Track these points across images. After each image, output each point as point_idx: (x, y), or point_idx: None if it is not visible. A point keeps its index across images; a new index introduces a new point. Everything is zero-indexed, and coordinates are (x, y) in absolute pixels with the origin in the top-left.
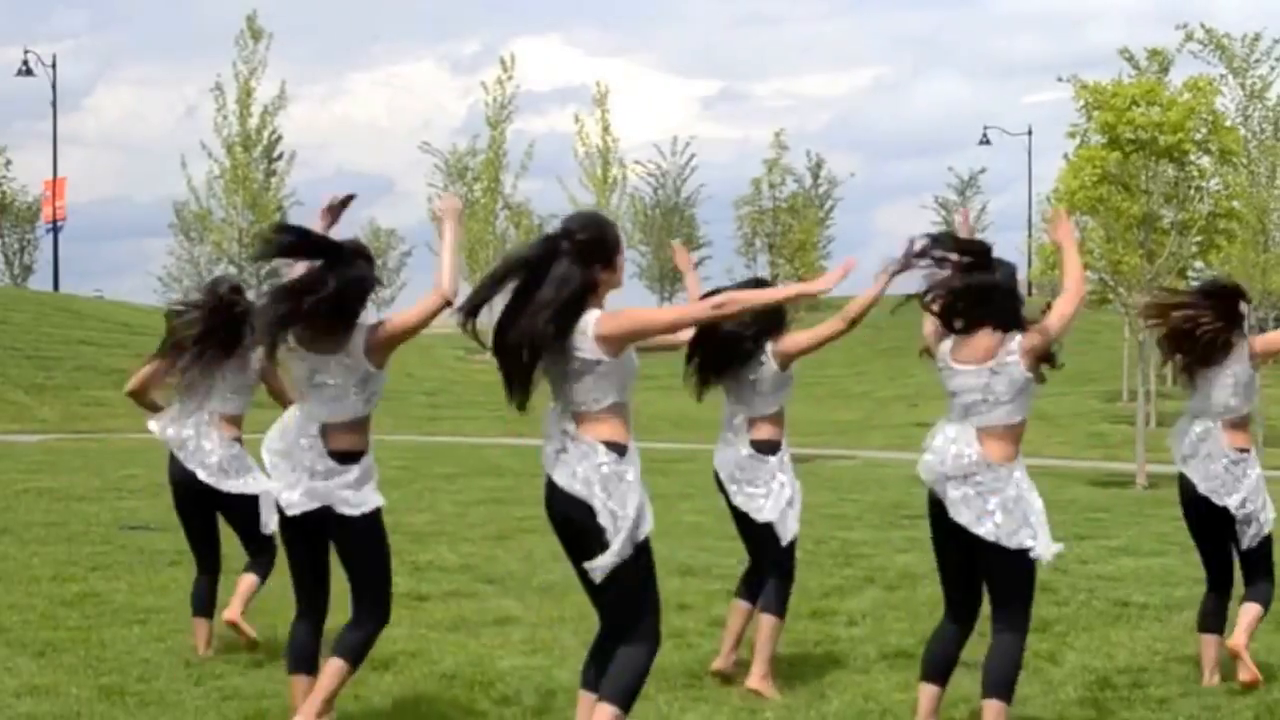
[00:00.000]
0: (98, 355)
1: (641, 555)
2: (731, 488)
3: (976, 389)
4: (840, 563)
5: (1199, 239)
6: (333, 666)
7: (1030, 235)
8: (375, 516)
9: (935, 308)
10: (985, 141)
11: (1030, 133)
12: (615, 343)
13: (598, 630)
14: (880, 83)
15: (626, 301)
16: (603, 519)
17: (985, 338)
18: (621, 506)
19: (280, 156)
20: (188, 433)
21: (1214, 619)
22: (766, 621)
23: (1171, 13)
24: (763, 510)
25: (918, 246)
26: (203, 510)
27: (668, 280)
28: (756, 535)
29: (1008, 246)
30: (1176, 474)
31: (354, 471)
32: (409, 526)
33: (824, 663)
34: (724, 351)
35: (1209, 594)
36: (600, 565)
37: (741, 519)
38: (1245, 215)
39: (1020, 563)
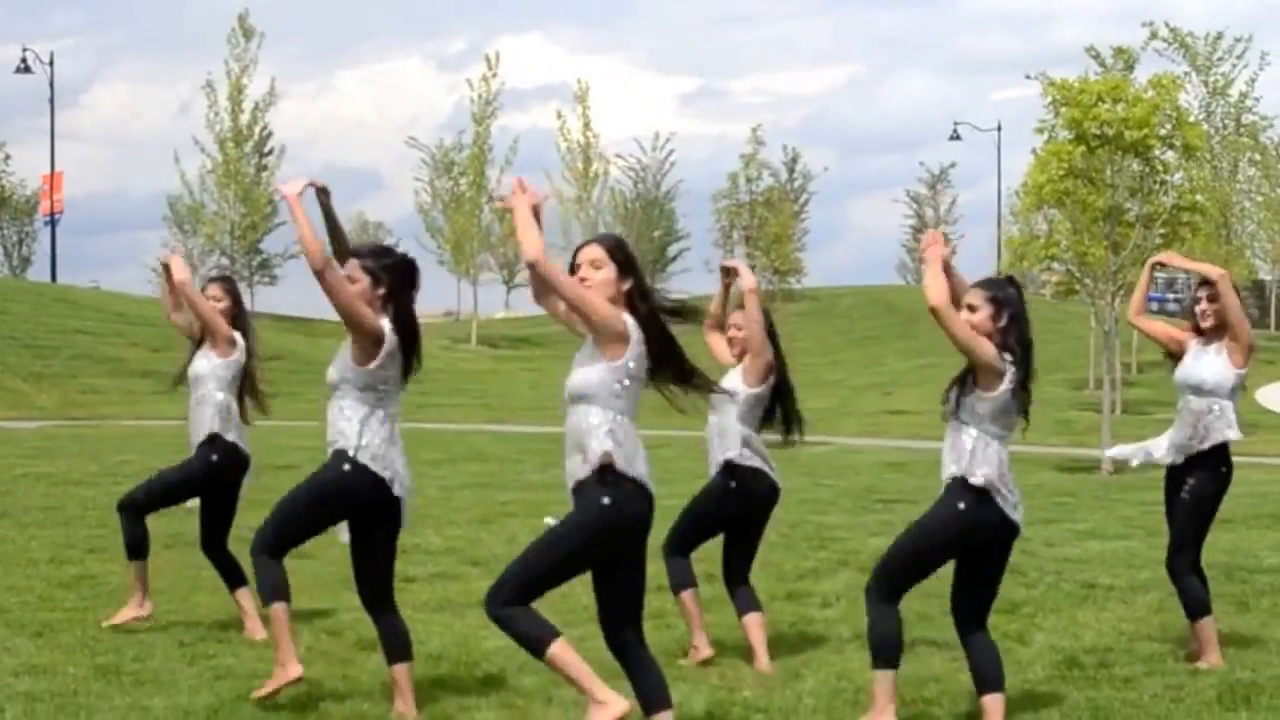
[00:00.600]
0: (94, 344)
1: None
2: None
3: None
4: (815, 546)
5: (1163, 231)
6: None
7: (1000, 228)
8: None
9: None
10: (955, 137)
11: (999, 128)
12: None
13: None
14: (853, 80)
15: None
16: None
17: None
18: None
19: (271, 152)
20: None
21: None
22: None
23: (1137, 12)
24: None
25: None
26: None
27: (647, 272)
28: None
29: (978, 239)
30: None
31: None
32: None
33: (799, 643)
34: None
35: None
36: None
37: None
38: (1208, 208)
39: None
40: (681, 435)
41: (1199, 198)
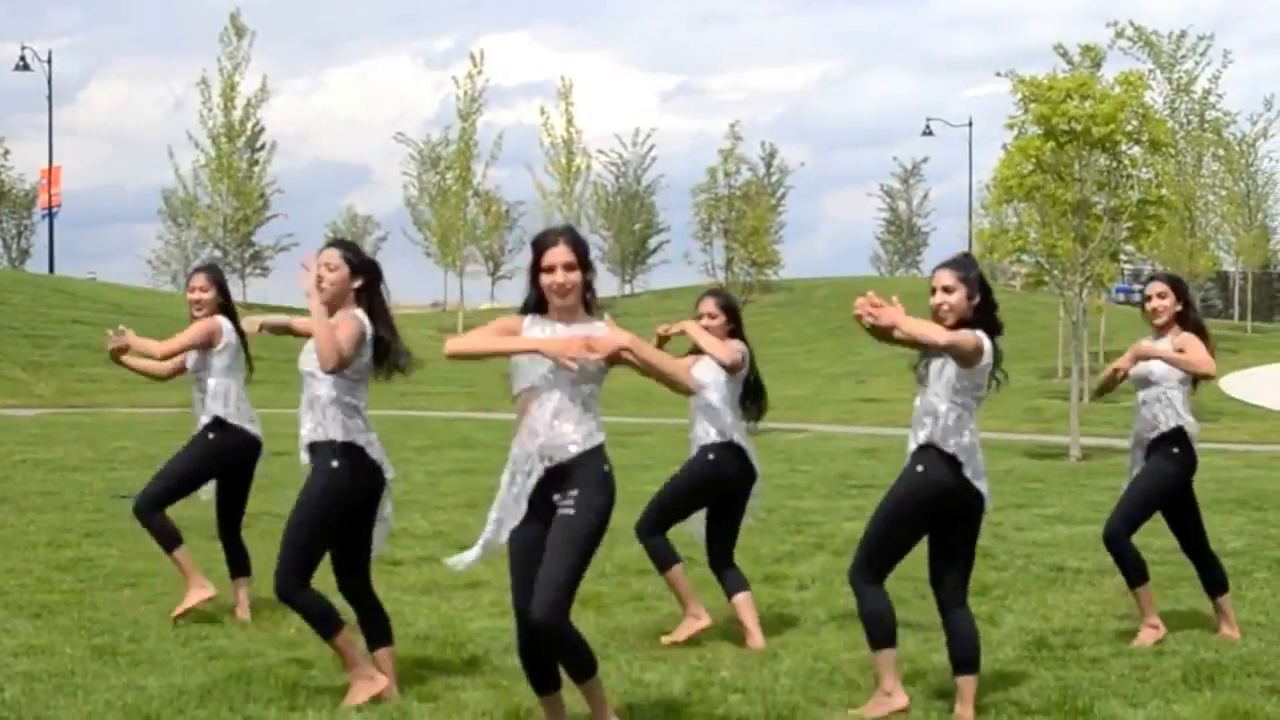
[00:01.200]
0: (91, 334)
1: None
2: None
3: None
4: (791, 530)
5: (1130, 225)
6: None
7: (971, 221)
8: None
9: None
10: (928, 133)
11: (971, 124)
12: None
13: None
14: (829, 77)
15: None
16: None
17: None
18: None
19: (262, 147)
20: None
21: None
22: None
23: (1103, 11)
24: None
25: None
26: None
27: (629, 264)
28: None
29: (950, 232)
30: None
31: None
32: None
33: (776, 624)
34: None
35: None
36: None
37: None
38: (1173, 202)
39: None
40: (663, 423)
41: (1164, 192)
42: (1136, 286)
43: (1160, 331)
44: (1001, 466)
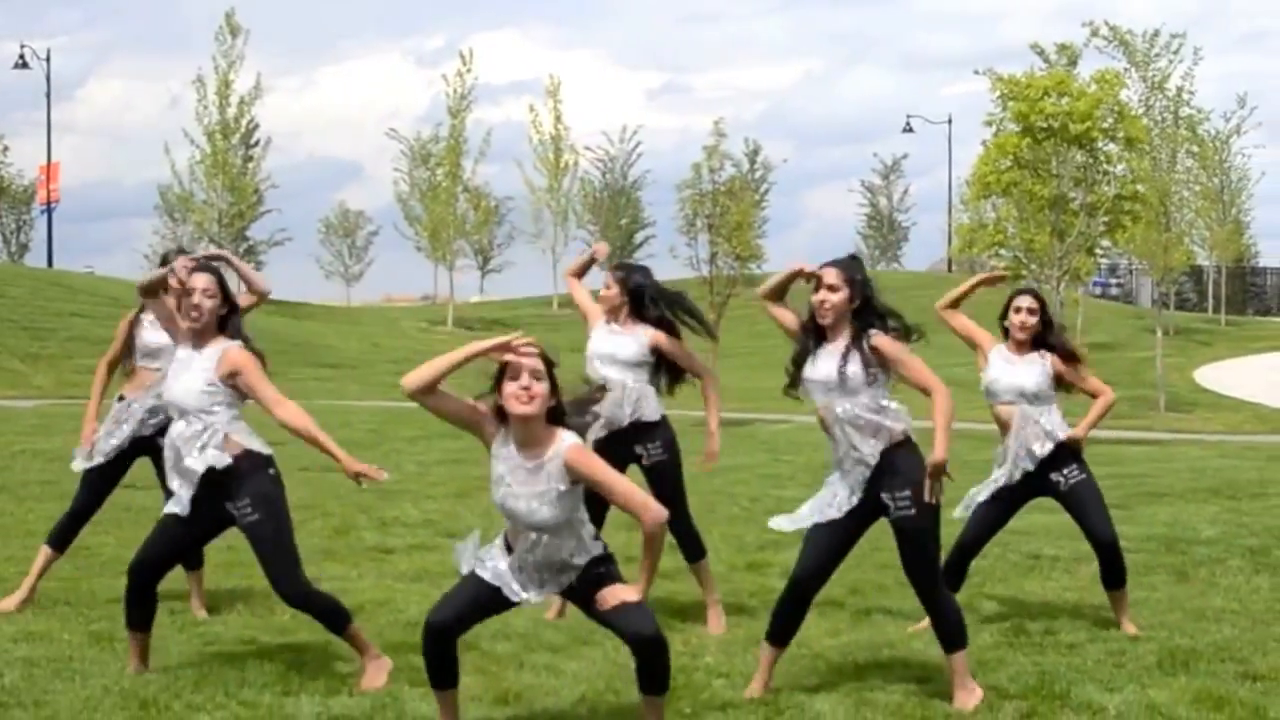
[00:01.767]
0: (88, 327)
1: None
2: None
3: None
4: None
5: (1105, 219)
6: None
7: (950, 216)
8: None
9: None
10: (908, 129)
11: (950, 121)
12: None
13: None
14: (811, 75)
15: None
16: None
17: None
18: None
19: (257, 143)
20: None
21: None
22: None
23: (1078, 10)
24: None
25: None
26: None
27: (615, 258)
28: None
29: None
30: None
31: None
32: (376, 485)
33: (759, 611)
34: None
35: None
36: None
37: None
38: (1148, 197)
39: None
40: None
41: (1140, 187)
42: (1113, 280)
43: (1018, 347)
44: (982, 456)
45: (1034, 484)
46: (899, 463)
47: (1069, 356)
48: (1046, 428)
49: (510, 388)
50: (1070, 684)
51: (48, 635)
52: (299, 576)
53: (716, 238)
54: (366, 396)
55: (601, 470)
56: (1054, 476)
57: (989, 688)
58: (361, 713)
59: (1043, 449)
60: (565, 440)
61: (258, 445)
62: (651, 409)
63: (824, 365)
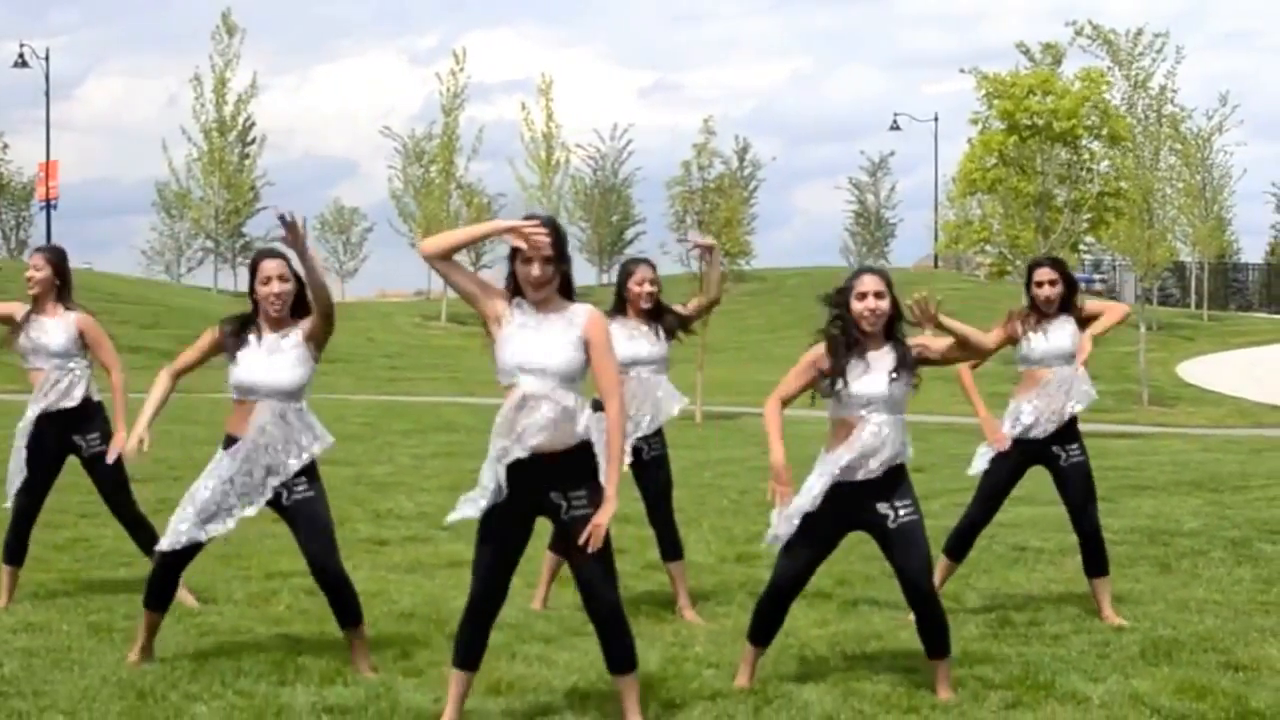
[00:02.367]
0: None
1: None
2: None
3: None
4: (763, 511)
5: (1089, 216)
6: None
7: (936, 213)
8: None
9: None
10: (895, 127)
11: (936, 119)
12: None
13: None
14: (799, 74)
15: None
16: None
17: None
18: None
19: (253, 141)
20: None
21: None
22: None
23: (1062, 9)
24: None
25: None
26: None
27: (606, 254)
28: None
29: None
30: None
31: None
32: (371, 478)
33: (748, 602)
34: None
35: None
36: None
37: None
38: (1132, 194)
39: None
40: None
41: (1123, 185)
42: (1096, 276)
43: (1041, 317)
44: (967, 450)
45: (1036, 450)
46: (896, 471)
47: (1085, 321)
48: (1084, 387)
49: (523, 270)
50: (1055, 674)
51: (46, 626)
52: (340, 556)
53: (705, 234)
54: (361, 390)
55: (609, 341)
56: (1056, 449)
57: (974, 678)
58: (356, 703)
59: (1073, 409)
60: (583, 307)
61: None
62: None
63: (876, 379)
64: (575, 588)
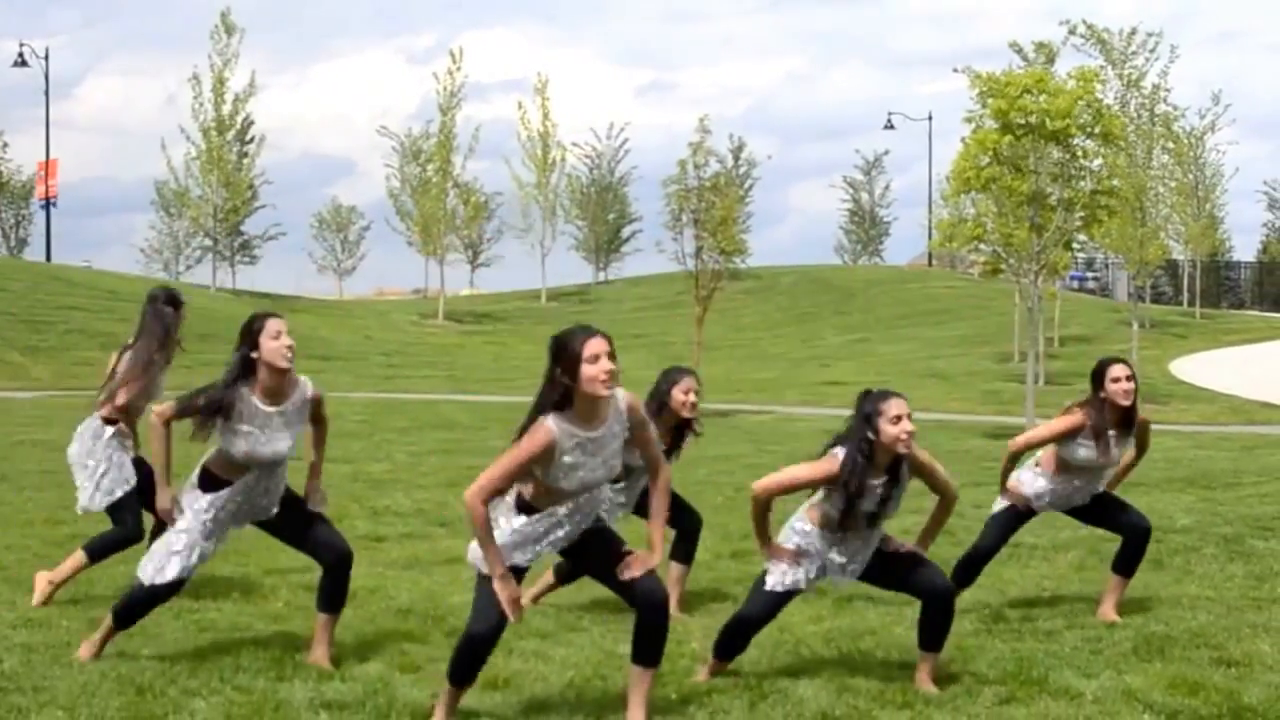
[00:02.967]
0: (87, 320)
1: None
2: None
3: None
4: None
5: (1082, 214)
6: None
7: (930, 212)
8: None
9: None
10: (889, 126)
11: (930, 118)
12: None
13: None
14: (794, 73)
15: (564, 271)
16: None
17: None
18: None
19: (251, 140)
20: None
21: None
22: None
23: (1056, 9)
24: None
25: None
26: None
27: (603, 252)
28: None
29: (910, 221)
30: None
31: None
32: (368, 475)
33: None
34: None
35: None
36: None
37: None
38: (1125, 193)
39: None
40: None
41: (1116, 183)
42: (1089, 274)
43: (1117, 426)
44: (961, 446)
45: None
46: None
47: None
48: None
49: (592, 370)
50: (1048, 670)
51: (46, 622)
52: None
53: (702, 232)
54: (359, 388)
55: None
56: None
57: (968, 674)
58: (354, 698)
59: (1078, 501)
60: (618, 392)
61: None
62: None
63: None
64: (625, 601)
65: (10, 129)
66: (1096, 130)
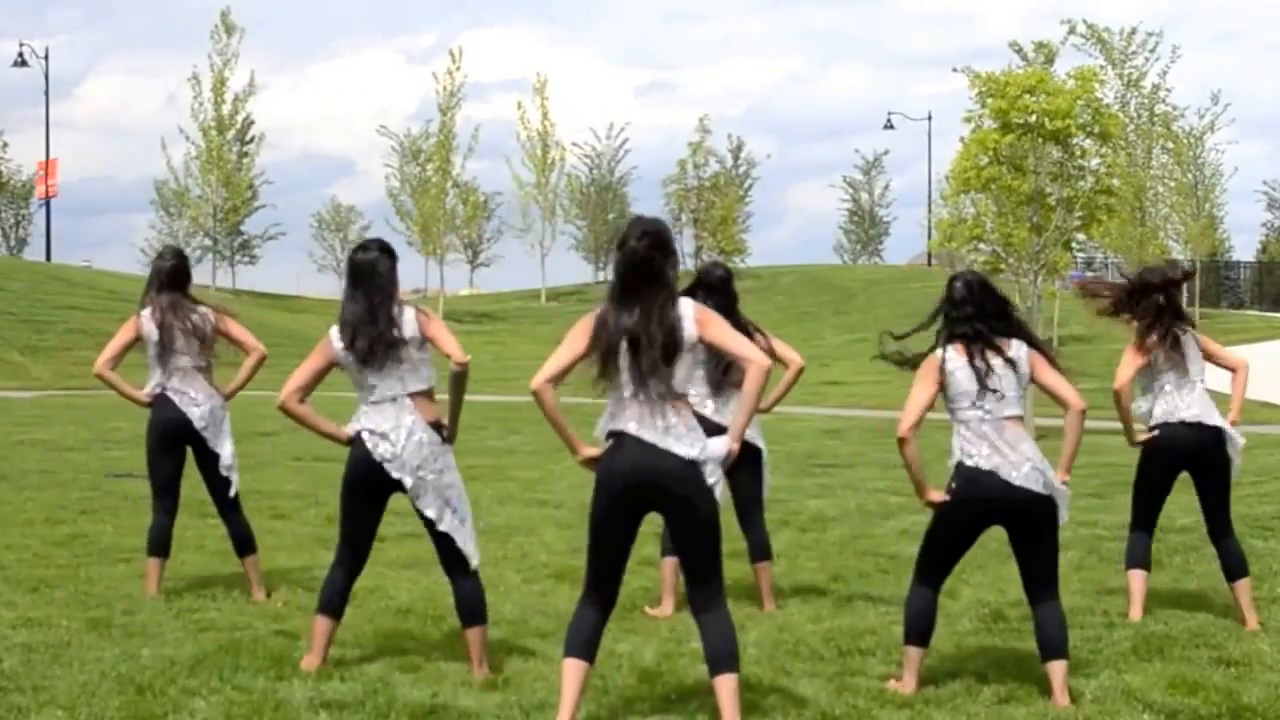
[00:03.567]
0: (86, 319)
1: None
2: None
3: None
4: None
5: (1082, 214)
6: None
7: (930, 211)
8: None
9: None
10: (889, 126)
11: (930, 118)
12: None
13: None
14: (793, 73)
15: (564, 270)
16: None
17: None
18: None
19: (251, 139)
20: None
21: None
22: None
23: (1056, 9)
24: None
25: None
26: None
27: (603, 252)
28: None
29: (910, 221)
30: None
31: None
32: None
33: (742, 598)
34: None
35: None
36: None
37: None
38: (1124, 192)
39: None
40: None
41: (1115, 182)
42: (1089, 274)
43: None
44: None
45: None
46: None
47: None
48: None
49: None
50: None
51: (46, 621)
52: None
53: (702, 232)
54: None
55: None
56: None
57: (968, 672)
58: (353, 698)
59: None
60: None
61: None
62: None
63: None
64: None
65: (10, 129)
66: (1095, 129)
